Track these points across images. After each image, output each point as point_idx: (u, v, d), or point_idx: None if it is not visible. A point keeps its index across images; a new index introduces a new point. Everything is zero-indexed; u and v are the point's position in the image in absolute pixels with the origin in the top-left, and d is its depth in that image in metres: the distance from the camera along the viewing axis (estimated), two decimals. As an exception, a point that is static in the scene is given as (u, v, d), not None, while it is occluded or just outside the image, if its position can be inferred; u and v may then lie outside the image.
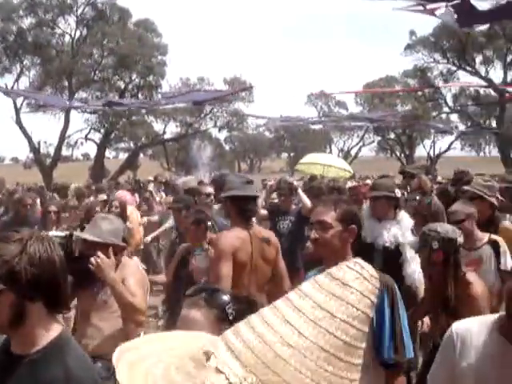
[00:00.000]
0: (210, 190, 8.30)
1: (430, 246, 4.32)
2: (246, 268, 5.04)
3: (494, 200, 6.35)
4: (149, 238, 10.74)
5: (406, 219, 6.03)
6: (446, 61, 49.18)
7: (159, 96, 39.57)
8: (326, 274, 1.02)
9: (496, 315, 2.82)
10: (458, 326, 2.88)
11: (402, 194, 8.28)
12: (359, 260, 1.05)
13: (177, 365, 1.02)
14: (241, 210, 5.18)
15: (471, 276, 4.42)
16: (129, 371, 1.02)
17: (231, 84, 52.75)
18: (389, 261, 5.52)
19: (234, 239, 5.02)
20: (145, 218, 11.33)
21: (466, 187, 6.61)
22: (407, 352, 3.38)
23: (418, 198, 6.81)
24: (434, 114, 50.50)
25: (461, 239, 4.38)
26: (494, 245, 5.57)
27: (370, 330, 3.24)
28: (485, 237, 5.68)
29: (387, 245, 5.79)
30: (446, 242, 4.28)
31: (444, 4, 7.68)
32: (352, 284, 0.99)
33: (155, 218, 11.34)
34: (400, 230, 5.86)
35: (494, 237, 5.73)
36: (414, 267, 5.63)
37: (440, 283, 4.40)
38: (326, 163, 15.25)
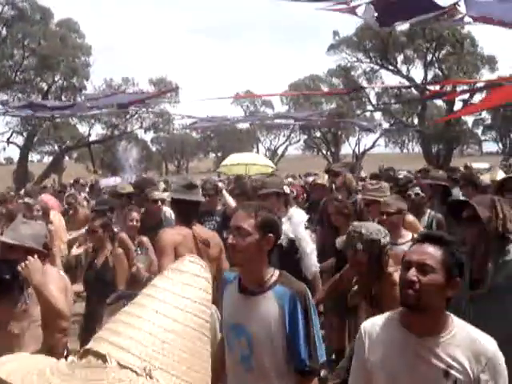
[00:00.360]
0: (157, 195, 7.98)
1: (354, 246, 4.34)
2: None
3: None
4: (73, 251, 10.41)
5: (296, 215, 6.10)
6: (368, 60, 50.06)
7: (83, 98, 38.90)
8: (175, 270, 1.22)
9: (398, 309, 2.93)
10: (366, 324, 3.01)
11: (292, 192, 8.42)
12: (193, 255, 1.29)
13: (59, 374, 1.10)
14: (180, 212, 5.45)
15: (397, 276, 4.44)
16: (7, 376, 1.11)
17: (157, 85, 52.35)
18: (283, 257, 5.55)
19: (175, 235, 5.20)
20: (73, 233, 11.04)
21: (358, 197, 6.73)
22: (320, 357, 3.40)
23: (340, 197, 6.87)
24: (359, 112, 51.31)
25: (385, 240, 4.39)
26: None
27: (284, 336, 3.25)
28: (409, 235, 5.75)
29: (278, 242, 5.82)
30: (369, 244, 4.29)
31: (365, 1, 7.77)
32: (200, 274, 1.23)
33: (82, 231, 10.98)
34: (291, 226, 5.93)
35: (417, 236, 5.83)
36: (312, 261, 5.71)
37: (365, 282, 4.43)
38: (249, 162, 15.27)
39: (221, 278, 5.24)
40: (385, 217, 5.87)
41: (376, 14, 7.89)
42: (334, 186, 8.92)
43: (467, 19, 8.24)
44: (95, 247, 6.62)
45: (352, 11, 8.29)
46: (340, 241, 4.89)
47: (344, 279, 4.89)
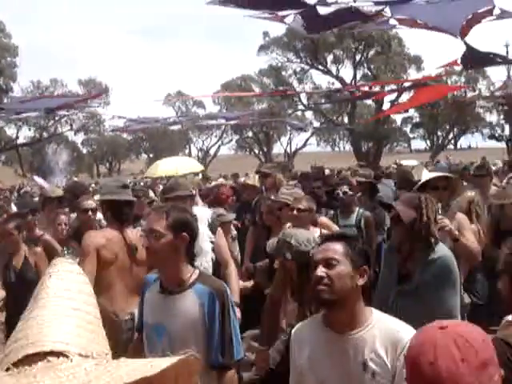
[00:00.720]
0: (89, 204, 7.51)
1: (283, 254, 4.36)
2: (112, 267, 5.10)
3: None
4: None
5: (197, 213, 6.08)
6: (299, 60, 50.56)
7: (9, 100, 38.07)
8: (64, 271, 1.31)
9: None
10: (294, 330, 3.12)
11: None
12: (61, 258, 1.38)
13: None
14: (115, 213, 5.35)
15: None
16: None
17: (86, 85, 51.64)
18: None
19: (98, 238, 5.14)
20: None
21: (274, 198, 6.78)
22: (236, 354, 3.49)
23: (272, 197, 6.92)
24: (290, 111, 51.73)
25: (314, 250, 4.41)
26: None
27: (204, 333, 3.31)
28: (316, 231, 5.79)
29: None
30: (298, 254, 4.30)
31: (293, 12, 7.86)
32: (80, 271, 1.34)
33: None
34: None
35: (325, 232, 5.85)
36: (205, 263, 5.73)
37: (296, 287, 4.45)
38: (183, 173, 15.14)
39: None
40: (295, 212, 5.92)
41: (304, 23, 7.99)
42: (264, 187, 8.98)
43: (392, 21, 8.44)
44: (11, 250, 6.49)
45: (281, 20, 8.39)
46: (270, 244, 4.89)
47: (274, 301, 4.94)
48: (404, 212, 4.20)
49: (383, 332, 2.80)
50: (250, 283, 6.79)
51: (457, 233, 5.15)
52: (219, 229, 6.24)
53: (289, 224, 6.41)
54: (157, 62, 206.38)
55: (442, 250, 4.25)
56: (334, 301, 2.82)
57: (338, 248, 2.88)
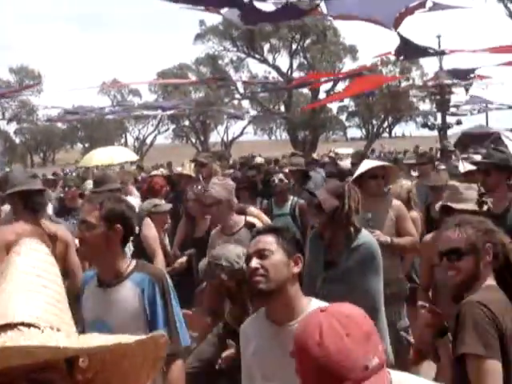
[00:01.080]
0: None
1: (218, 276, 4.33)
2: None
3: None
4: None
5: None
6: (235, 49, 50.54)
7: None
8: (32, 250, 1.32)
9: None
10: (243, 324, 3.19)
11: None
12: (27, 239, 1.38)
13: None
14: (28, 204, 5.10)
15: None
16: None
17: (18, 73, 50.49)
18: None
19: (8, 234, 4.80)
20: None
21: (201, 190, 6.81)
22: (182, 340, 3.43)
23: (200, 187, 6.91)
24: (227, 100, 51.65)
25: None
26: (251, 227, 5.58)
27: (146, 322, 3.26)
28: (241, 220, 5.71)
29: None
30: (232, 273, 4.28)
31: (228, 5, 7.90)
32: (48, 252, 1.34)
33: None
34: None
35: (249, 219, 5.81)
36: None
37: (240, 299, 4.42)
38: (121, 161, 15.00)
39: (70, 273, 5.01)
40: (206, 207, 5.88)
41: (239, 14, 8.04)
42: (200, 177, 8.99)
43: (328, 18, 8.59)
44: None
45: (217, 11, 8.43)
46: (202, 269, 4.79)
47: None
48: (325, 200, 4.29)
49: None
50: (184, 259, 6.81)
51: (388, 240, 5.33)
52: (146, 219, 6.23)
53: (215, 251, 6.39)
54: (92, 50, 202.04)
55: (365, 237, 4.35)
56: (271, 291, 2.84)
57: (269, 239, 2.93)
